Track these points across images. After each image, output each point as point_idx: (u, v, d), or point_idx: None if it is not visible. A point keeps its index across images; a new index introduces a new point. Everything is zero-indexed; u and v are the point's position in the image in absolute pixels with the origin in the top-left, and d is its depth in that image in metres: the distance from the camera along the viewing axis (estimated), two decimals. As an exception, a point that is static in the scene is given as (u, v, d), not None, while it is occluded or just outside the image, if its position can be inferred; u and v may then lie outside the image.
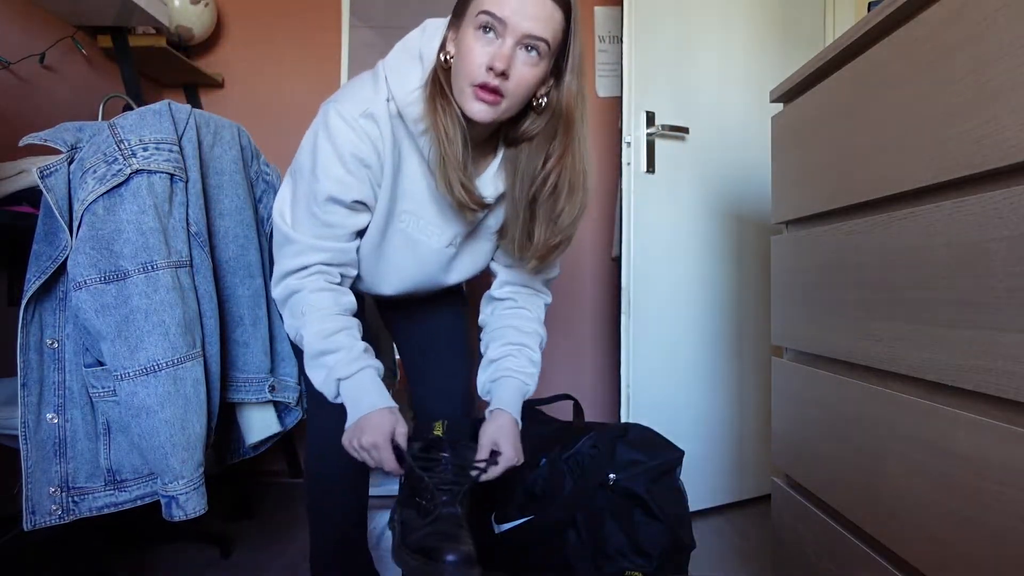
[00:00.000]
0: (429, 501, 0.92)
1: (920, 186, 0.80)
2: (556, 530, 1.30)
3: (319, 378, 0.97)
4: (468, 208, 0.97)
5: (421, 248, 1.05)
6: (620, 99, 1.71)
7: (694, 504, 1.59)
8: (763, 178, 1.85)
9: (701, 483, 1.77)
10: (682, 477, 1.39)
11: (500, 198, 1.03)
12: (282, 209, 1.02)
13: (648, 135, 1.70)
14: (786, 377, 1.15)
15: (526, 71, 0.89)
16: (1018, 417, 0.66)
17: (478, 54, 0.87)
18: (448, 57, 0.93)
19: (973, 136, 0.71)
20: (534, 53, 0.88)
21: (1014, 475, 0.65)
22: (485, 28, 0.87)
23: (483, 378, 1.13)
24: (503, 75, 0.87)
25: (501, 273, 1.16)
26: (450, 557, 0.83)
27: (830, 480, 1.00)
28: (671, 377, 1.75)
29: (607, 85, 2.14)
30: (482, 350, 1.16)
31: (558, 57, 0.93)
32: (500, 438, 1.01)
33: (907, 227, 0.82)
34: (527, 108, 0.96)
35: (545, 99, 0.95)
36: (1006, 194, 0.66)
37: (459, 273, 1.12)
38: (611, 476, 1.28)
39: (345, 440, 0.94)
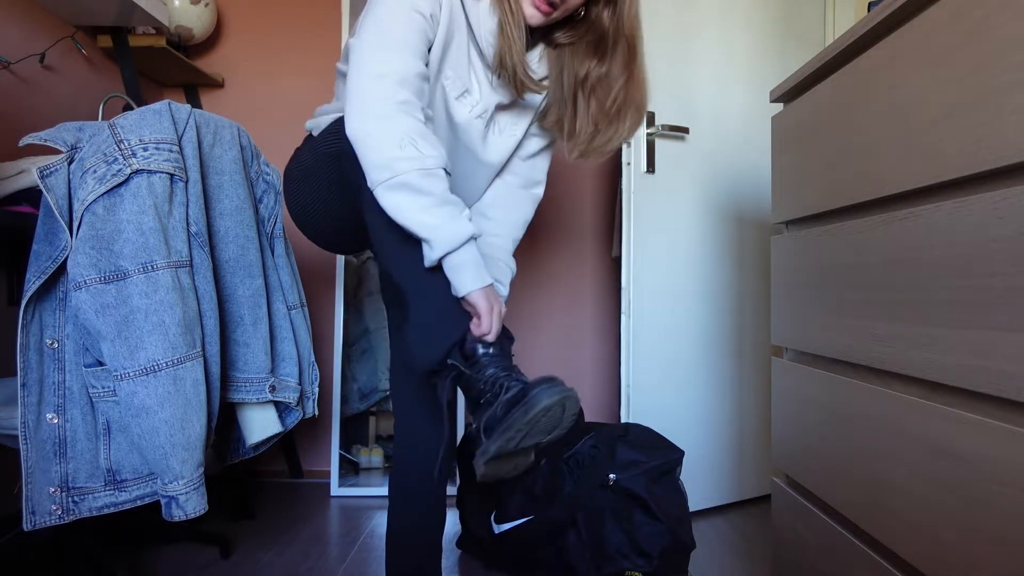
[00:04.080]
0: (491, 391, 0.87)
1: (920, 186, 0.80)
2: (556, 530, 1.30)
3: (443, 216, 0.87)
4: (519, 81, 1.02)
5: (457, 115, 1.06)
6: (620, 99, 1.71)
7: (694, 504, 1.59)
8: (763, 178, 1.86)
9: (701, 483, 1.77)
10: (682, 477, 1.39)
11: (544, 80, 1.09)
12: (346, 52, 1.00)
13: (648, 135, 1.70)
14: (786, 377, 1.15)
15: None
16: (1018, 417, 0.66)
17: None
18: None
19: (973, 136, 0.71)
20: None
21: (1014, 475, 0.65)
22: None
23: None
24: None
25: (492, 186, 1.18)
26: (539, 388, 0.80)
27: (830, 480, 1.00)
28: (671, 377, 1.75)
29: (607, 85, 2.14)
30: None
31: None
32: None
33: (907, 227, 0.82)
34: (568, 17, 1.03)
35: (583, 11, 1.03)
36: (1006, 194, 0.66)
37: (494, 151, 1.12)
38: (611, 476, 1.28)
39: (482, 296, 0.89)
